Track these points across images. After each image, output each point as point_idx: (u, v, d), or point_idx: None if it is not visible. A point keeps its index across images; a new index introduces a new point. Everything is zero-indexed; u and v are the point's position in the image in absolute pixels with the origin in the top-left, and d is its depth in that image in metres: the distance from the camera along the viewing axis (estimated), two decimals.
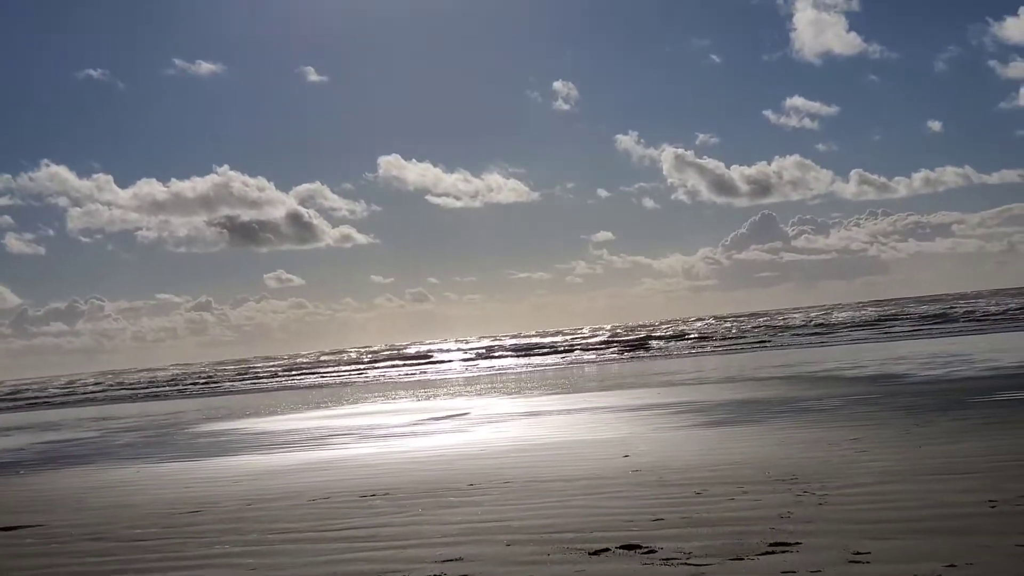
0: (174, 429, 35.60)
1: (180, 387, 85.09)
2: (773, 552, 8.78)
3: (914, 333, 67.48)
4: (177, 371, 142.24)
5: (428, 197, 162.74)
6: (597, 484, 13.77)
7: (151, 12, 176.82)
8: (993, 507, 9.91)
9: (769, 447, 16.69)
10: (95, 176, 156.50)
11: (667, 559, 8.88)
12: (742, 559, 8.64)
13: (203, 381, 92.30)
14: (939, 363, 35.61)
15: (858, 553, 8.49)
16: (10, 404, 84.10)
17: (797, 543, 9.01)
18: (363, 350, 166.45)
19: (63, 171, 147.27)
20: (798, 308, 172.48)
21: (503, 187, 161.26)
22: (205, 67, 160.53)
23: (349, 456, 21.08)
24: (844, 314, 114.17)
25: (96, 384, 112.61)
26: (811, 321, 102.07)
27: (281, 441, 26.64)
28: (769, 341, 74.67)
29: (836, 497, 11.22)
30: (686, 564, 8.65)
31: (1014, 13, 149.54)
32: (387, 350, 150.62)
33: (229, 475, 19.37)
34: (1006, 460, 12.87)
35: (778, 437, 18.09)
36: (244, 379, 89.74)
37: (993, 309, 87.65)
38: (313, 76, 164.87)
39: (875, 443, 15.94)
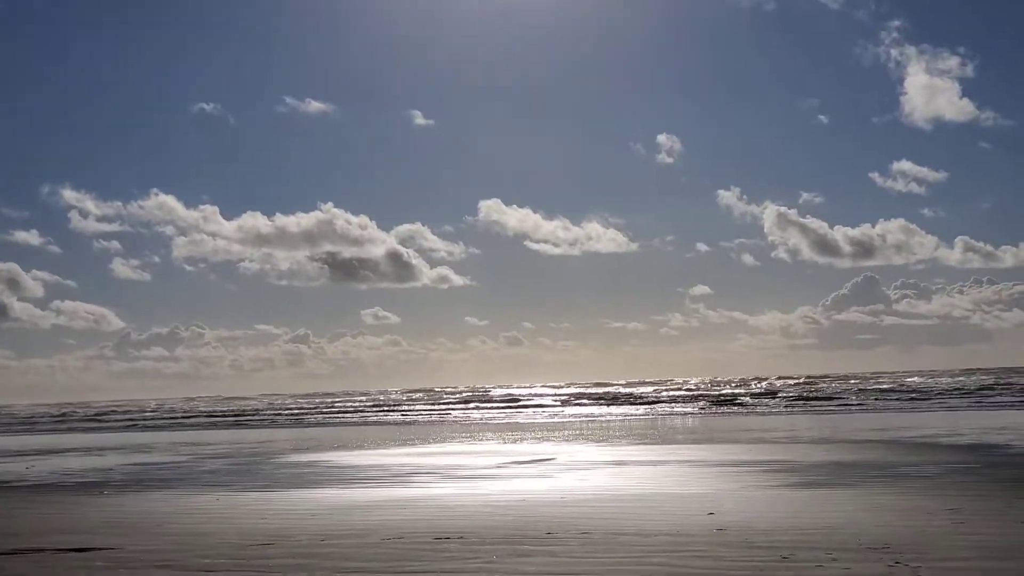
0: (260, 458, 35.65)
1: (271, 416, 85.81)
2: None
3: (1015, 404, 65.36)
4: (269, 401, 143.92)
5: (527, 243, 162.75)
6: (679, 542, 13.24)
7: (266, 50, 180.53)
8: None
9: (862, 512, 15.97)
10: (202, 207, 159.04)
11: None
12: None
13: (293, 411, 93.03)
14: None
15: None
16: (104, 424, 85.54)
17: None
18: (453, 390, 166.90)
19: (171, 200, 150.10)
20: (896, 372, 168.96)
21: (602, 236, 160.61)
22: (315, 106, 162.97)
23: (428, 495, 20.75)
24: (943, 380, 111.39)
25: (187, 409, 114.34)
26: (908, 386, 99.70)
27: (362, 476, 26.42)
28: (865, 403, 72.94)
29: (932, 571, 10.57)
30: None
31: None
32: (478, 391, 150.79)
33: (306, 508, 19.17)
34: None
35: (872, 502, 17.33)
36: (334, 412, 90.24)
37: None
38: (420, 119, 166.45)
39: (975, 515, 15.14)
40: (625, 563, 11.64)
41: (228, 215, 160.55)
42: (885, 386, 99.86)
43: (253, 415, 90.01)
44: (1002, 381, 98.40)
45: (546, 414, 74.69)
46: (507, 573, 11.21)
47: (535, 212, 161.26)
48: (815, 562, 11.32)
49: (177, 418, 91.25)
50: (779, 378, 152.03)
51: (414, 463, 30.42)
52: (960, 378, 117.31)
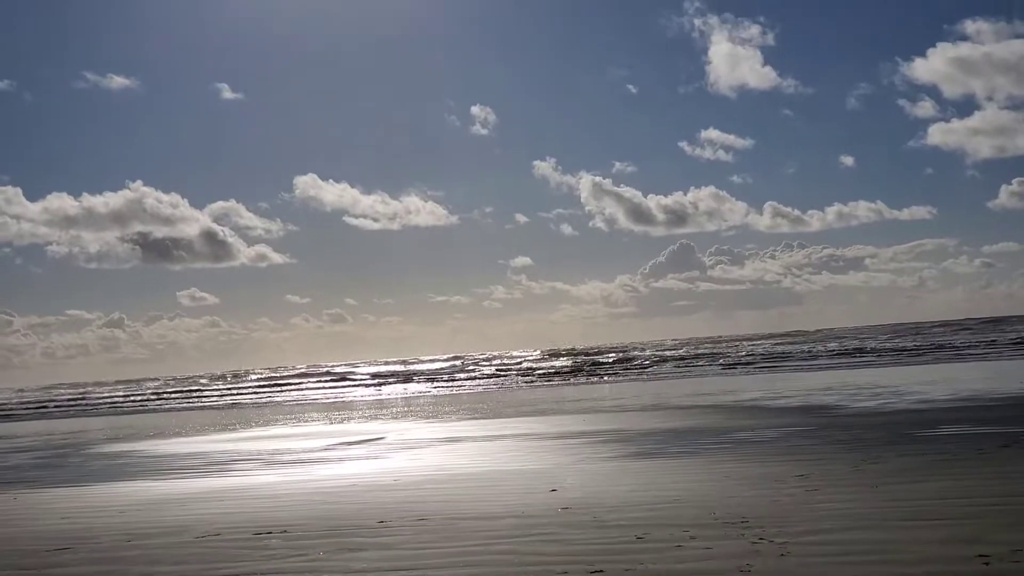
0: (70, 450, 33.35)
1: (85, 405, 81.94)
2: None
3: (833, 365, 67.04)
4: (84, 388, 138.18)
5: (346, 218, 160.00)
6: (524, 524, 12.23)
7: (61, 23, 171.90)
8: (987, 564, 8.56)
9: (710, 483, 15.27)
10: (2, 188, 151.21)
11: None
12: None
13: (108, 399, 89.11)
14: (867, 394, 34.64)
15: None
16: None
17: None
18: (277, 370, 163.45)
19: None
20: (714, 337, 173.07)
21: (421, 210, 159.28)
22: (117, 81, 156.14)
23: (249, 485, 19.27)
24: (759, 343, 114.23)
25: (7, 399, 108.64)
26: (727, 350, 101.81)
27: (180, 466, 24.69)
28: (690, 370, 73.87)
29: (799, 547, 9.81)
30: None
31: (922, 54, 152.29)
32: (302, 371, 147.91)
33: (116, 504, 17.49)
34: (983, 505, 11.56)
35: (718, 471, 16.68)
36: (149, 398, 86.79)
37: (908, 344, 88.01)
38: (227, 93, 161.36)
39: (825, 481, 14.58)
40: (467, 552, 10.57)
41: (32, 196, 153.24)
42: (705, 351, 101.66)
43: (65, 404, 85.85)
44: (818, 342, 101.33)
45: (373, 392, 73.22)
46: (333, 571, 10.00)
47: (352, 187, 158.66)
48: (673, 541, 10.46)
49: None
50: (600, 349, 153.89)
51: (235, 449, 28.75)
52: (773, 340, 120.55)
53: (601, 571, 9.22)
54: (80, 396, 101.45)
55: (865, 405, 29.92)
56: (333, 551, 11.21)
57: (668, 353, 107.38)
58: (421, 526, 12.62)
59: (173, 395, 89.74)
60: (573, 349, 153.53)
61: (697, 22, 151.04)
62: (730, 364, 76.56)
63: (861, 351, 79.81)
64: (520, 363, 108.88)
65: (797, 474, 15.54)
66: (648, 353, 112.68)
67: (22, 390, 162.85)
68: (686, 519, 11.81)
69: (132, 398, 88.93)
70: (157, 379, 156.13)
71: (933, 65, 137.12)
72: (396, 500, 15.42)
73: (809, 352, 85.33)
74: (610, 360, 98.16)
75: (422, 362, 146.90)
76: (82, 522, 15.32)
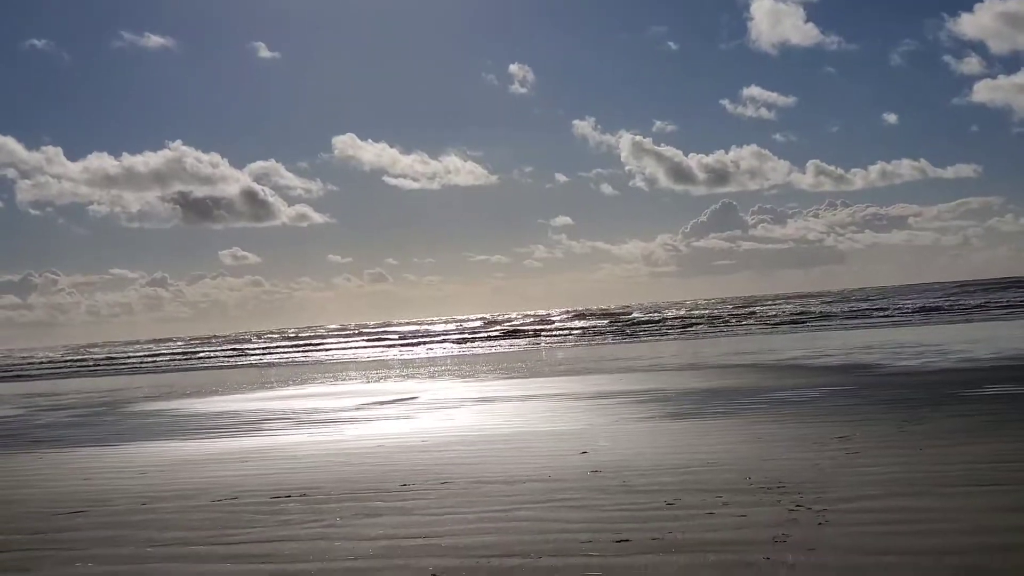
0: (105, 409, 33.23)
1: (130, 362, 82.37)
2: None
3: (875, 324, 66.03)
4: (130, 346, 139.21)
5: (385, 178, 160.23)
6: (550, 488, 11.70)
7: None
8: None
9: (746, 445, 14.67)
10: (44, 149, 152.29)
11: None
12: None
13: (152, 357, 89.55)
14: (910, 353, 33.86)
15: None
16: None
17: None
18: (318, 328, 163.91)
19: (11, 142, 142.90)
20: (756, 296, 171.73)
21: (461, 169, 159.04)
22: (154, 40, 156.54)
23: (275, 445, 18.88)
24: (801, 302, 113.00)
25: (45, 358, 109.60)
26: (768, 309, 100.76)
27: (210, 425, 24.39)
28: (730, 328, 73.07)
29: (839, 515, 9.21)
30: None
31: (969, 9, 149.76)
32: (343, 329, 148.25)
33: (137, 465, 17.15)
34: None
35: (754, 432, 16.08)
36: (193, 355, 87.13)
37: (950, 302, 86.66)
38: (264, 52, 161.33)
39: (868, 443, 13.94)
40: (488, 519, 10.06)
41: (72, 156, 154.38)
42: (750, 309, 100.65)
43: (110, 361, 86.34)
44: (861, 301, 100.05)
45: (411, 351, 73.00)
46: (348, 538, 9.52)
47: (391, 147, 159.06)
48: (705, 508, 9.90)
49: (24, 367, 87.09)
50: (641, 307, 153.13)
51: (268, 408, 28.46)
52: (816, 299, 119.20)
53: (628, 540, 8.69)
54: (122, 354, 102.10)
55: (908, 364, 29.17)
56: (350, 516, 10.75)
57: (708, 312, 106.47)
58: (444, 489, 12.14)
59: (214, 353, 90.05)
60: (611, 308, 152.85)
61: None
62: (771, 323, 75.65)
63: (904, 309, 78.63)
64: (559, 322, 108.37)
65: (838, 436, 14.91)
66: (688, 312, 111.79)
67: (67, 347, 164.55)
68: (720, 484, 11.24)
69: (173, 356, 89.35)
70: (200, 338, 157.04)
71: (980, 20, 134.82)
72: (422, 462, 14.96)
73: (851, 310, 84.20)
74: (650, 318, 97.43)
75: (462, 321, 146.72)
76: (101, 483, 14.97)
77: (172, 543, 9.94)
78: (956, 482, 10.44)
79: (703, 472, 12.20)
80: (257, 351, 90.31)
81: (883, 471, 11.48)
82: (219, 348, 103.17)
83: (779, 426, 16.76)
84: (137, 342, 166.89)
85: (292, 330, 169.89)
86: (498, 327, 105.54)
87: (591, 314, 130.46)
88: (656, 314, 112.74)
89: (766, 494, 10.44)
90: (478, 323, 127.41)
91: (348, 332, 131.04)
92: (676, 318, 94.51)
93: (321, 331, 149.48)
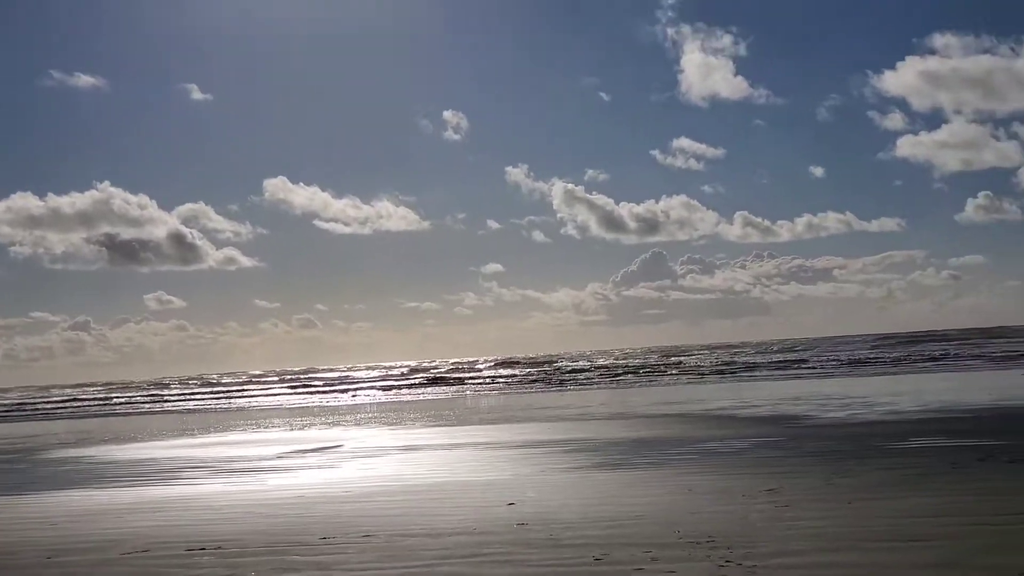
0: (20, 455, 32.25)
1: (46, 408, 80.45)
2: None
3: (801, 375, 66.57)
4: (46, 392, 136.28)
5: (316, 222, 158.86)
6: (476, 542, 11.39)
7: (25, 21, 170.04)
8: None
9: (675, 496, 14.47)
10: None
11: None
12: None
13: (70, 403, 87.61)
14: (836, 405, 34.02)
15: None
16: None
17: None
18: (244, 375, 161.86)
19: None
20: (683, 346, 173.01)
21: (393, 215, 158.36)
22: (84, 80, 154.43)
23: (193, 494, 18.33)
24: (728, 352, 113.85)
25: None
26: (696, 359, 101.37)
27: (127, 473, 23.69)
28: (659, 378, 73.27)
29: (769, 571, 9.03)
30: None
31: (892, 67, 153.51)
32: (269, 376, 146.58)
33: (47, 515, 16.52)
34: (962, 525, 10.79)
35: (683, 484, 15.89)
36: (113, 402, 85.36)
37: (875, 353, 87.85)
38: (197, 94, 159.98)
39: (796, 496, 13.81)
40: (410, 574, 9.72)
41: None
42: (679, 360, 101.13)
43: (25, 407, 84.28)
44: (788, 351, 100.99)
45: (338, 398, 72.17)
46: None
47: (323, 190, 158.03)
48: (632, 563, 9.65)
49: None
50: (568, 356, 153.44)
51: (187, 456, 27.77)
52: (742, 350, 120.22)
53: None
54: (40, 399, 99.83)
55: (835, 416, 29.27)
56: (266, 571, 10.35)
57: (637, 361, 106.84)
58: (365, 543, 11.77)
59: (135, 399, 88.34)
60: (541, 356, 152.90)
61: (670, 31, 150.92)
62: (699, 373, 75.97)
63: (829, 360, 79.44)
64: (488, 370, 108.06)
65: (767, 488, 14.77)
66: (617, 361, 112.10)
67: None
68: (647, 537, 11.00)
69: (92, 402, 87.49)
70: (122, 383, 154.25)
71: (903, 78, 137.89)
72: (343, 514, 14.56)
73: (778, 361, 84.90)
74: (579, 367, 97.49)
75: (390, 367, 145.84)
76: (7, 536, 14.35)
77: None
78: (881, 537, 10.32)
79: (631, 525, 11.97)
80: (179, 397, 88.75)
81: (811, 525, 11.33)
82: (140, 393, 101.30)
83: (708, 477, 16.60)
84: (55, 387, 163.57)
85: (215, 375, 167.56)
86: (426, 374, 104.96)
87: (520, 362, 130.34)
88: (585, 363, 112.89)
89: (695, 548, 10.22)
90: (406, 370, 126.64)
91: (273, 378, 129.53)
92: (605, 367, 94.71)
93: (245, 377, 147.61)
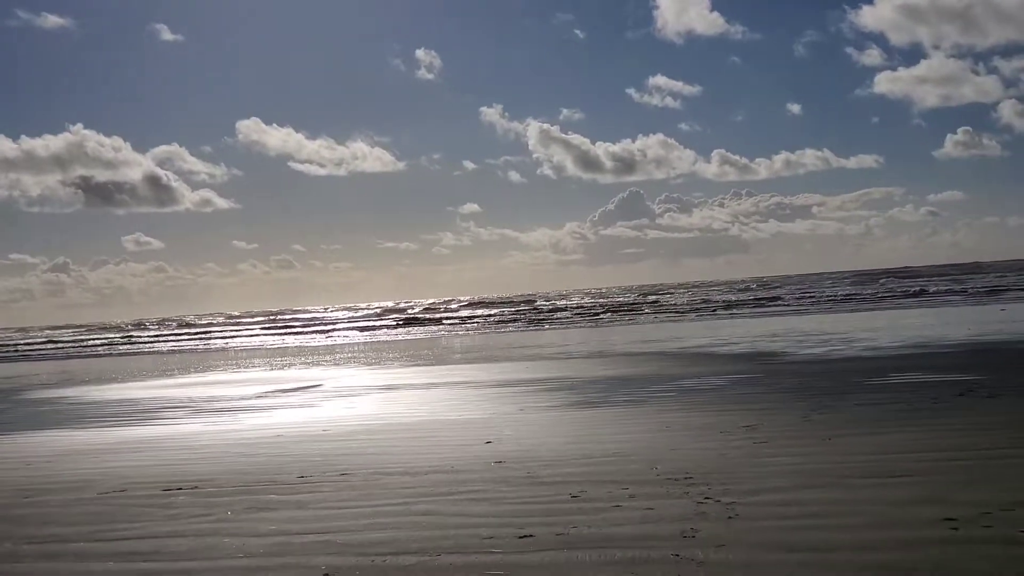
0: None
1: (26, 349, 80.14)
2: None
3: (780, 312, 66.79)
4: (25, 332, 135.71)
5: (291, 163, 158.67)
6: (453, 480, 11.34)
7: None
8: (955, 530, 7.78)
9: (652, 434, 14.46)
10: None
11: None
12: None
13: (50, 343, 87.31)
14: (815, 341, 34.12)
15: None
16: None
17: None
18: (222, 316, 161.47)
19: None
20: (662, 284, 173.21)
21: (368, 155, 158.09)
22: (52, 20, 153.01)
23: (171, 434, 18.24)
24: (706, 290, 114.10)
25: None
26: (674, 298, 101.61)
27: (105, 414, 23.59)
28: (636, 317, 73.40)
29: (748, 508, 8.99)
30: None
31: (870, 2, 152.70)
32: (247, 316, 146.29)
33: (23, 455, 16.43)
34: (944, 460, 10.78)
35: (660, 421, 15.88)
36: (94, 343, 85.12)
37: (854, 290, 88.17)
38: (167, 35, 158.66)
39: (774, 433, 13.79)
40: (385, 513, 9.67)
41: None
42: (656, 298, 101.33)
43: (7, 348, 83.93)
44: (764, 289, 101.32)
45: (317, 338, 72.11)
46: (238, 535, 9.06)
47: (297, 132, 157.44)
48: (611, 501, 9.61)
49: None
50: (545, 295, 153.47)
51: (167, 396, 27.67)
52: (720, 287, 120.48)
53: (531, 536, 8.36)
54: (17, 340, 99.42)
55: (813, 352, 29.34)
56: (242, 510, 10.28)
57: (615, 300, 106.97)
58: (343, 482, 11.71)
59: (115, 340, 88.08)
60: (518, 296, 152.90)
61: None
62: (677, 311, 76.14)
63: (807, 297, 79.70)
64: (466, 309, 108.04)
65: (744, 424, 14.77)
66: (595, 300, 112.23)
67: None
68: (625, 475, 10.96)
69: (72, 342, 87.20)
70: (101, 325, 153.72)
71: (880, 12, 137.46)
72: (321, 452, 14.50)
73: (756, 299, 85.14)
74: (557, 306, 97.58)
75: (368, 307, 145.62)
76: None
77: (51, 540, 9.39)
78: (864, 473, 10.29)
79: (608, 463, 11.94)
80: (159, 338, 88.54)
81: (790, 461, 11.31)
82: (120, 334, 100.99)
83: (685, 415, 16.60)
84: (35, 328, 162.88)
85: (194, 316, 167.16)
86: (405, 314, 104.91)
87: (498, 301, 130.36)
88: (563, 302, 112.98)
89: (673, 486, 10.19)
90: (385, 309, 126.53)
91: (252, 319, 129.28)
92: (583, 306, 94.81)
93: (224, 317, 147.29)
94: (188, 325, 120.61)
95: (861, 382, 20.07)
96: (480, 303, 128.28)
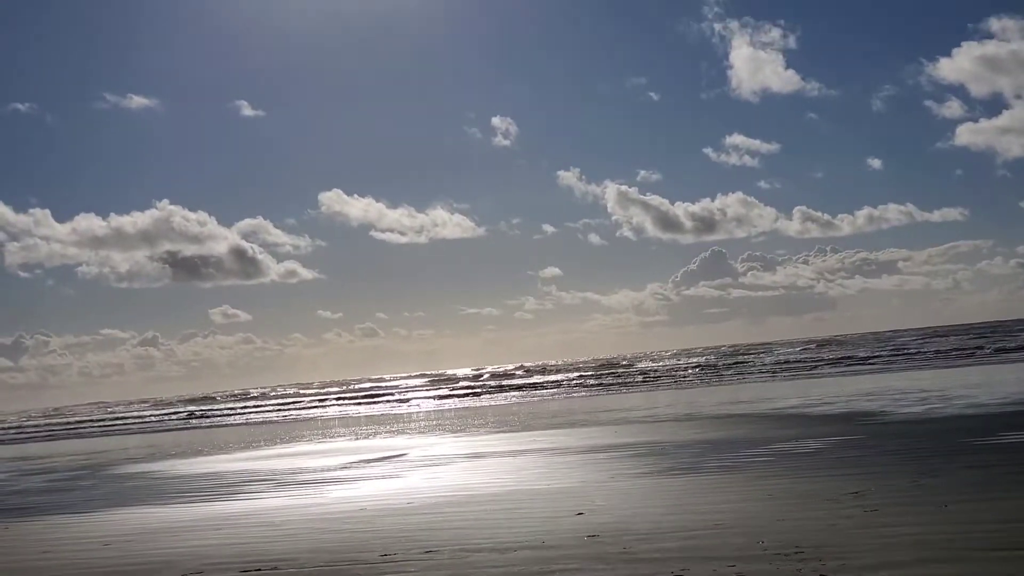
0: (86, 472, 32.14)
1: (118, 424, 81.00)
2: None
3: (873, 369, 65.10)
4: (118, 407, 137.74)
5: (372, 232, 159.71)
6: (544, 557, 10.69)
7: (76, 44, 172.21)
8: None
9: (753, 503, 13.67)
10: (32, 211, 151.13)
11: None
12: None
13: (141, 418, 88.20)
14: (912, 400, 32.87)
15: None
16: None
17: None
18: (310, 386, 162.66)
19: None
20: (747, 344, 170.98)
21: (448, 222, 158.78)
22: (137, 101, 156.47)
23: (252, 510, 17.81)
24: (794, 350, 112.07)
25: (42, 420, 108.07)
26: (761, 357, 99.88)
27: (188, 488, 23.31)
28: (723, 377, 72.10)
29: None
30: None
31: (947, 54, 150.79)
32: (334, 386, 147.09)
33: (102, 534, 16.09)
34: None
35: (761, 489, 15.07)
36: (185, 416, 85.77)
37: (946, 346, 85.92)
38: (248, 110, 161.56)
39: (884, 500, 12.94)
40: None
41: (60, 218, 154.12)
42: (744, 358, 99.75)
43: (97, 423, 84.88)
44: (854, 347, 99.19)
45: (402, 406, 71.85)
46: None
47: (377, 201, 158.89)
48: None
49: (16, 430, 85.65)
50: (632, 357, 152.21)
51: (251, 468, 27.38)
52: (808, 346, 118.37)
53: None
54: (113, 415, 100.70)
55: (912, 411, 28.19)
56: None
57: (701, 360, 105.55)
58: (428, 560, 11.12)
59: (207, 412, 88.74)
60: (603, 358, 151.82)
61: (717, 27, 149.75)
62: (765, 371, 74.68)
63: (899, 354, 77.75)
64: (551, 374, 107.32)
65: (851, 491, 13.92)
66: (681, 361, 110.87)
67: (56, 410, 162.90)
68: (731, 549, 10.23)
69: (164, 416, 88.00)
70: (189, 397, 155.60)
71: (959, 64, 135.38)
72: (406, 527, 13.94)
73: (846, 357, 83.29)
74: (642, 368, 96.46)
75: (453, 375, 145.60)
76: (60, 557, 13.92)
77: None
78: (990, 545, 9.45)
79: (709, 536, 11.20)
80: (248, 409, 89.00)
81: (906, 532, 10.49)
82: (208, 407, 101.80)
83: (786, 481, 15.76)
84: (126, 402, 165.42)
85: (282, 387, 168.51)
86: (490, 380, 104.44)
87: (583, 365, 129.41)
88: (649, 363, 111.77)
89: (783, 561, 9.44)
90: (470, 376, 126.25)
91: (338, 388, 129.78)
92: (669, 367, 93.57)
93: (312, 387, 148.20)
94: (275, 396, 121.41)
95: (969, 442, 19.04)
96: (564, 367, 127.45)
